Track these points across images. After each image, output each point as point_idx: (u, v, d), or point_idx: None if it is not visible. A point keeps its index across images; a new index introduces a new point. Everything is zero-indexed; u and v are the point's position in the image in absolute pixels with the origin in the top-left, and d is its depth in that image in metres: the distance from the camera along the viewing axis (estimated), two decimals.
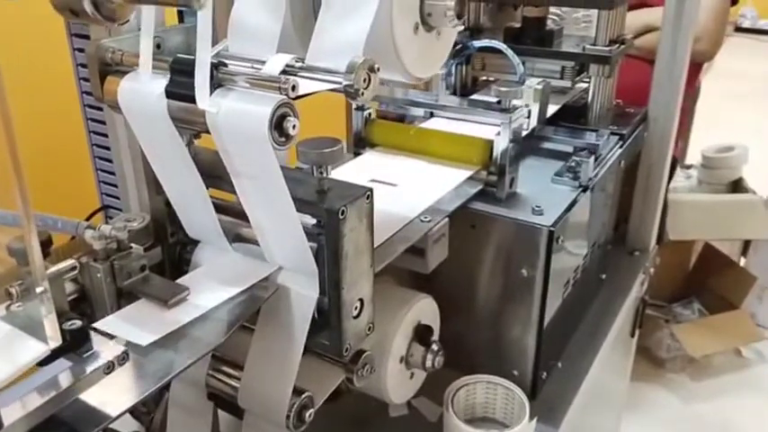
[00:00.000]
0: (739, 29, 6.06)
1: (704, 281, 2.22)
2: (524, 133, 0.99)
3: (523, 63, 1.03)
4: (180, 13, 1.00)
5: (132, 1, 0.51)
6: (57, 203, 0.74)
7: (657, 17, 1.18)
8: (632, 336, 1.35)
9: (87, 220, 0.69)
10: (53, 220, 0.63)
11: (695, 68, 1.75)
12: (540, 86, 1.01)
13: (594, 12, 1.09)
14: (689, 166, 2.35)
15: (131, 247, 0.61)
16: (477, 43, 1.08)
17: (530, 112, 1.00)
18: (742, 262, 2.30)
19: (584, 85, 1.15)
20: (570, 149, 1.02)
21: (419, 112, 1.01)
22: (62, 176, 1.16)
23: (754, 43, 5.85)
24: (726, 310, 2.15)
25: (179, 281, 0.61)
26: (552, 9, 1.21)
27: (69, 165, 0.96)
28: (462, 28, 1.15)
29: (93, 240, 0.58)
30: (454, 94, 1.18)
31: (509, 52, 1.02)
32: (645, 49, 1.47)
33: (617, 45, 1.06)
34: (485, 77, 1.21)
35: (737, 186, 2.20)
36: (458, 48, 1.10)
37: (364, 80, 0.53)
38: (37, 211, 0.62)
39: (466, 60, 1.16)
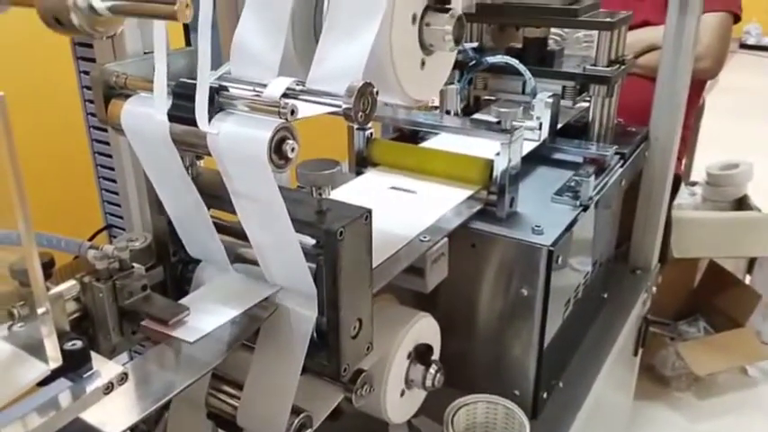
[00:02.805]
0: (744, 45, 6.06)
1: (709, 299, 2.21)
2: (535, 145, 1.01)
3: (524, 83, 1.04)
4: (186, 36, 1.02)
5: (118, 13, 0.50)
6: (61, 222, 0.75)
7: (660, 36, 1.18)
8: (635, 355, 1.34)
9: (91, 239, 0.70)
10: (57, 240, 0.64)
11: (699, 86, 1.75)
12: (550, 99, 1.03)
13: (595, 32, 1.10)
14: (693, 184, 2.35)
15: (133, 267, 0.62)
16: (491, 59, 1.09)
17: (541, 124, 1.02)
18: (747, 280, 2.29)
19: (586, 105, 1.15)
20: (580, 160, 1.05)
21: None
22: (67, 195, 1.17)
23: (758, 60, 5.85)
24: (731, 328, 2.14)
25: (181, 302, 0.62)
26: (553, 30, 1.22)
27: (74, 184, 0.97)
28: (476, 44, 1.17)
29: (96, 260, 0.59)
30: (457, 113, 1.19)
31: (521, 67, 1.04)
32: (648, 68, 1.48)
33: (617, 65, 1.07)
34: (486, 97, 1.21)
35: (742, 204, 2.19)
36: (472, 63, 1.12)
37: (364, 104, 0.54)
38: (41, 230, 0.63)
39: (468, 81, 1.17)
